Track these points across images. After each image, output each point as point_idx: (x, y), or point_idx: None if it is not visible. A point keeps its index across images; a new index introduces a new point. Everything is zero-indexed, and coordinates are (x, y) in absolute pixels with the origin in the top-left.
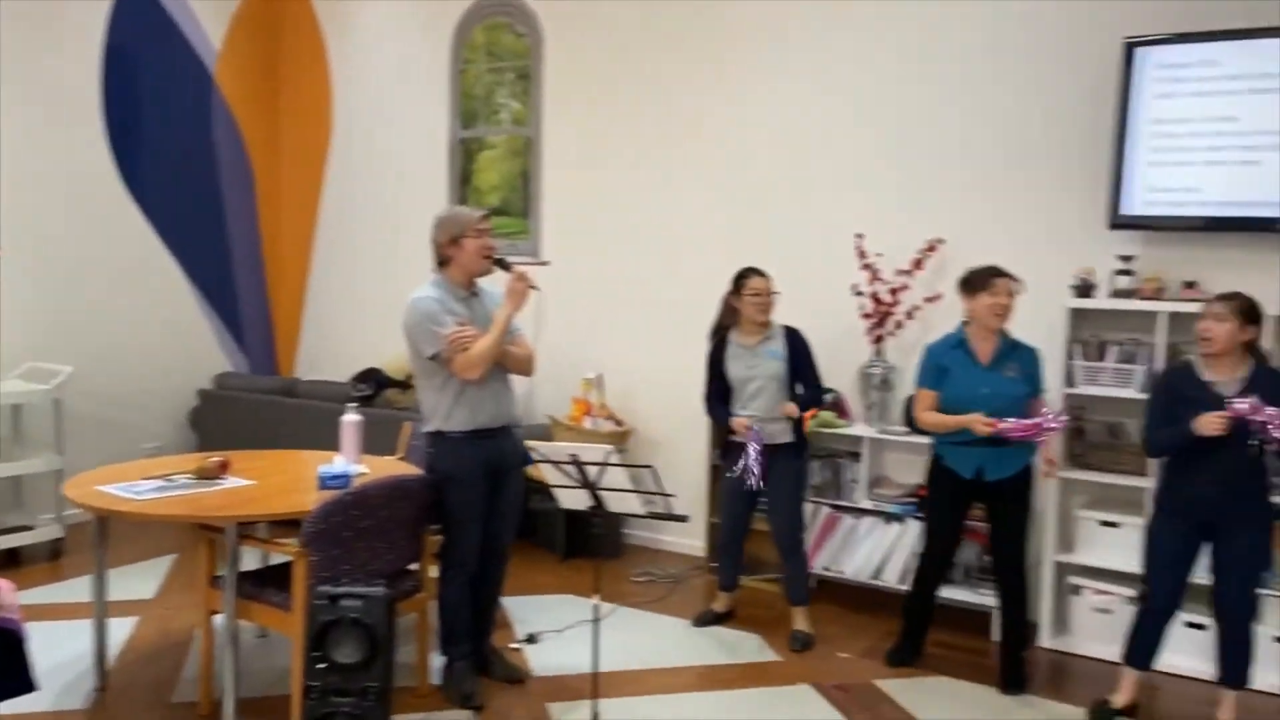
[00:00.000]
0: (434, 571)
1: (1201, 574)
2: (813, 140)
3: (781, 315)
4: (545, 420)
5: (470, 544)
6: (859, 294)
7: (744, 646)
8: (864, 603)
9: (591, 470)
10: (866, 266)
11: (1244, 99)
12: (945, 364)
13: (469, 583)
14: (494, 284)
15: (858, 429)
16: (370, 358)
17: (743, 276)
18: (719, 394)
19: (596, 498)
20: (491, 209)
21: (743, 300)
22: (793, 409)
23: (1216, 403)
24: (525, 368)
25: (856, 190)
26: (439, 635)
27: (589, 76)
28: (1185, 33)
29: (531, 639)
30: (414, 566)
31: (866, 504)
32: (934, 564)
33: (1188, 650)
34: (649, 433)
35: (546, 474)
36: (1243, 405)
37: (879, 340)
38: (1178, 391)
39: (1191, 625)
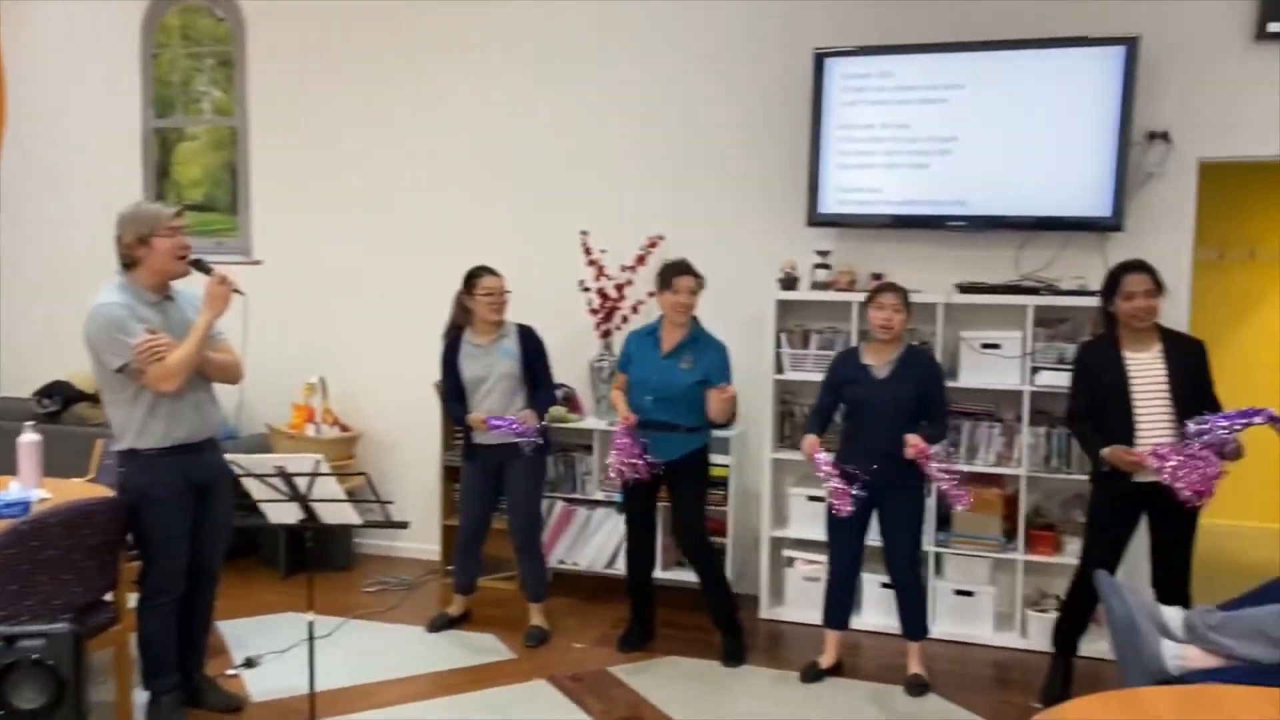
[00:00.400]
0: (134, 600)
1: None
2: (538, 139)
3: (512, 312)
4: (264, 429)
5: (172, 568)
6: (586, 290)
7: (479, 648)
8: (599, 592)
9: (301, 482)
10: (592, 263)
11: (915, 108)
12: (633, 350)
13: (175, 609)
14: (191, 285)
15: (589, 422)
16: (56, 369)
17: (474, 275)
18: (454, 393)
19: (308, 510)
20: (191, 205)
21: (475, 299)
22: (530, 417)
23: (873, 383)
24: (230, 375)
25: (581, 188)
26: (141, 669)
27: (299, 64)
28: (865, 46)
29: (250, 663)
30: (109, 597)
31: (599, 495)
32: (634, 545)
33: (885, 609)
34: (378, 436)
35: (251, 489)
36: (821, 471)
37: (606, 335)
38: (842, 374)
39: (887, 585)
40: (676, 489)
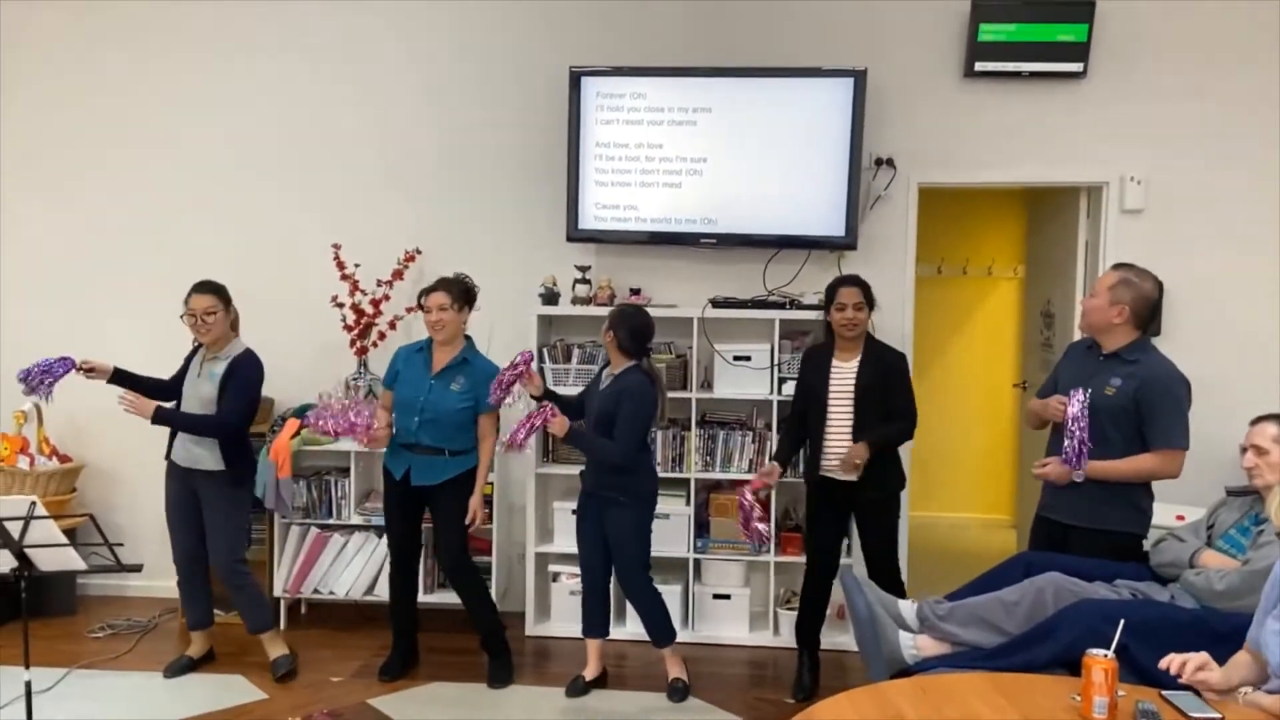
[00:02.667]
0: None
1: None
2: (290, 149)
3: (260, 328)
4: None
5: None
6: (339, 306)
7: (226, 690)
8: (357, 621)
9: (13, 527)
10: (345, 277)
11: (667, 129)
12: (401, 367)
13: None
14: None
15: (344, 444)
16: None
17: (189, 292)
18: (170, 386)
19: (22, 557)
20: None
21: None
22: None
23: (598, 395)
24: None
25: (332, 202)
26: None
27: (16, 69)
28: (619, 66)
29: None
30: None
31: (356, 519)
32: (396, 569)
33: None
34: (107, 465)
35: None
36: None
37: (363, 352)
38: (590, 389)
39: None
40: (438, 512)
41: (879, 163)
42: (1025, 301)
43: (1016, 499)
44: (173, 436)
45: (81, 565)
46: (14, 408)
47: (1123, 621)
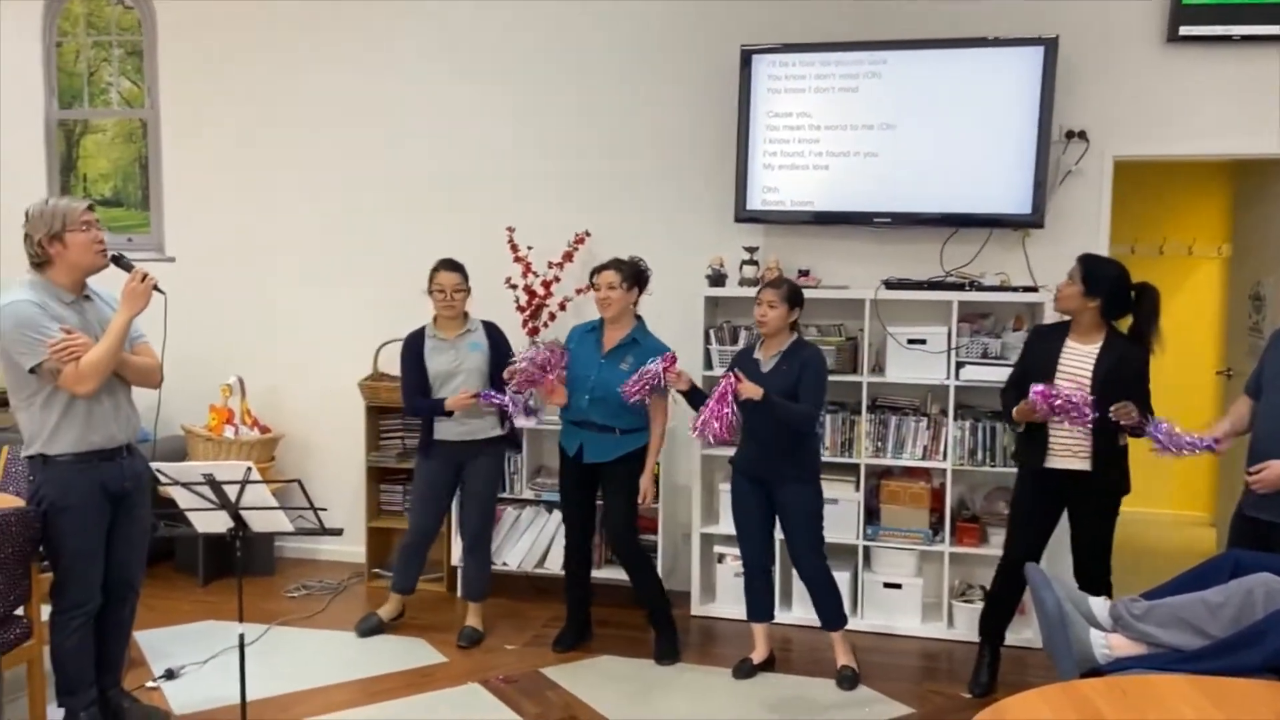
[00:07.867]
0: (48, 614)
1: None
2: (463, 134)
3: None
4: (179, 432)
5: (88, 581)
6: (513, 287)
7: (410, 652)
8: (530, 592)
9: (230, 490)
10: (519, 259)
11: (840, 106)
12: (574, 347)
13: (90, 623)
14: (110, 285)
15: (518, 420)
16: None
17: (432, 270)
18: (418, 389)
19: (238, 519)
20: (99, 200)
21: (431, 294)
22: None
23: (759, 378)
24: (150, 379)
25: (507, 185)
26: (56, 686)
27: (215, 52)
28: (792, 43)
29: (170, 674)
30: (20, 611)
31: (528, 494)
32: (571, 543)
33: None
34: (301, 437)
35: (178, 497)
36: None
37: (534, 332)
38: (738, 369)
39: None
40: (608, 491)
41: (1070, 135)
42: (1230, 283)
43: (1216, 495)
44: (430, 421)
45: (289, 527)
46: (221, 382)
47: None
